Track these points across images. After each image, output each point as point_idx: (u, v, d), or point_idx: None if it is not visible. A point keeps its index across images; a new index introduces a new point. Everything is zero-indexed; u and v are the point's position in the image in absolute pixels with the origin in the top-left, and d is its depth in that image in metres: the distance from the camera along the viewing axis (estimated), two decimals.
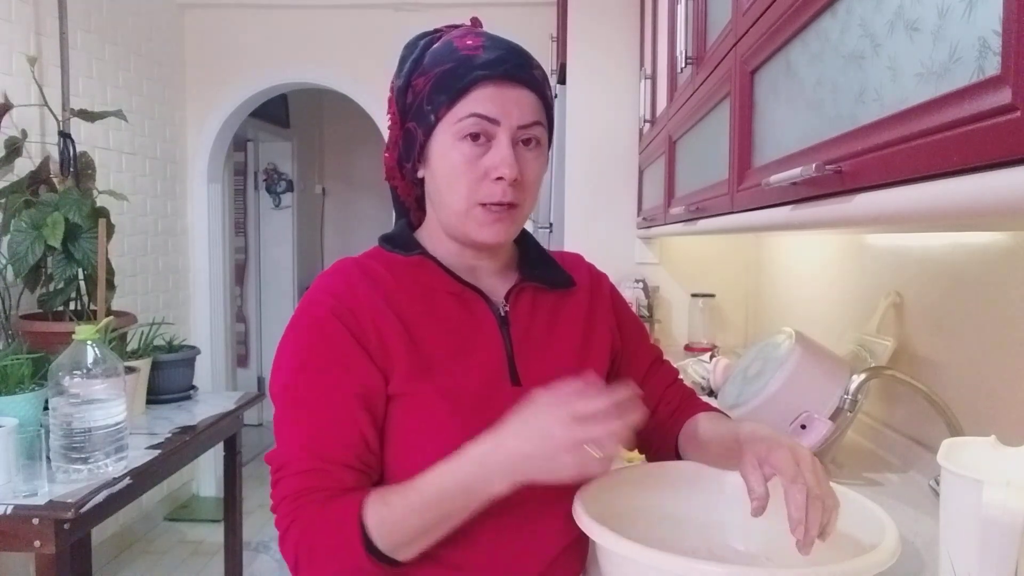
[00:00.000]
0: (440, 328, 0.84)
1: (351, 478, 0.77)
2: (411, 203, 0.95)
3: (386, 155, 0.93)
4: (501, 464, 0.71)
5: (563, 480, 0.70)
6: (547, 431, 0.69)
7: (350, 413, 0.78)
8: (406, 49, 0.87)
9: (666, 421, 0.99)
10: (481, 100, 0.80)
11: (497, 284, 0.91)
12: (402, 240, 0.90)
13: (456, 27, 0.89)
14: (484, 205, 0.81)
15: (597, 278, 1.00)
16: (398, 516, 0.73)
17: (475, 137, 0.81)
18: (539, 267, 0.93)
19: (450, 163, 0.82)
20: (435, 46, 0.85)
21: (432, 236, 0.90)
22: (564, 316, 0.92)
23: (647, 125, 2.33)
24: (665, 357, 1.05)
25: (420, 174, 0.87)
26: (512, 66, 0.82)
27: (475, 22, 0.91)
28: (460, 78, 0.80)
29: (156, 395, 2.13)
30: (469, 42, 0.83)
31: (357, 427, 0.78)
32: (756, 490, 0.73)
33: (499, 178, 0.80)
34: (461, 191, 0.82)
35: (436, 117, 0.82)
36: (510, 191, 0.81)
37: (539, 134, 0.84)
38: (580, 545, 0.88)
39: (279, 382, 0.81)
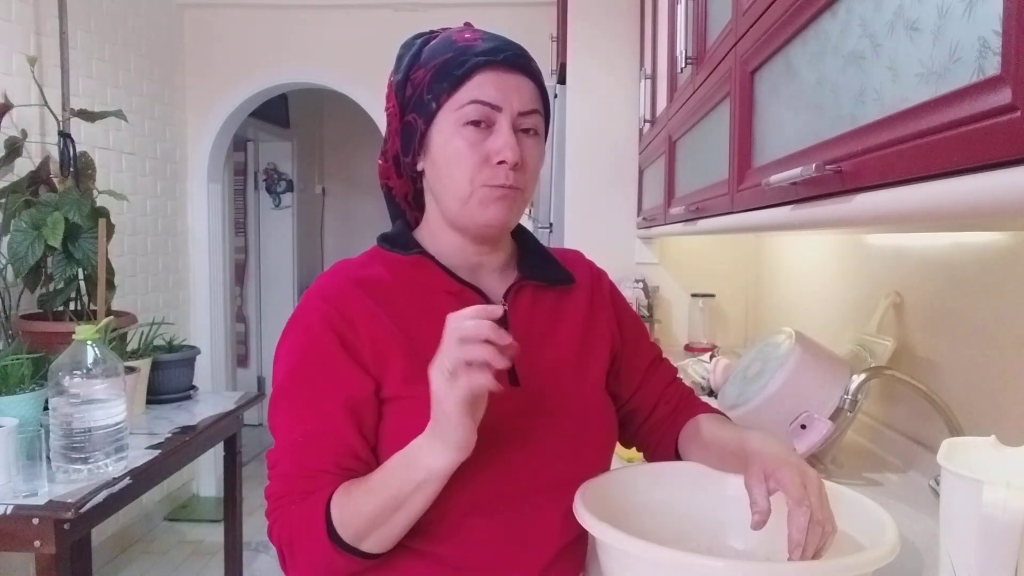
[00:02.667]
0: (439, 328, 0.83)
1: (331, 482, 0.78)
2: (406, 203, 0.95)
3: (380, 161, 0.93)
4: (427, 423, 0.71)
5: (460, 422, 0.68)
6: (435, 363, 0.69)
7: (335, 422, 0.79)
8: (403, 48, 0.88)
9: (665, 420, 0.98)
10: (482, 86, 0.81)
11: (496, 282, 0.90)
12: (401, 239, 0.90)
13: (450, 28, 0.89)
14: (487, 187, 0.82)
15: (597, 275, 1.00)
16: (355, 502, 0.74)
17: (476, 123, 0.81)
18: (538, 264, 0.93)
19: (452, 149, 0.82)
20: (433, 42, 0.86)
21: (432, 234, 0.90)
22: (564, 314, 0.92)
23: (647, 125, 2.33)
24: (664, 356, 1.05)
25: (420, 166, 0.88)
26: (511, 54, 0.83)
27: (468, 26, 0.91)
28: (460, 65, 0.81)
29: (156, 395, 2.13)
30: (467, 35, 0.84)
31: (341, 436, 0.79)
32: (759, 503, 0.73)
33: (501, 162, 0.81)
34: (464, 176, 0.82)
35: (437, 105, 0.82)
36: (512, 175, 0.81)
37: (538, 123, 0.85)
38: (579, 545, 0.87)
39: (274, 384, 0.83)
